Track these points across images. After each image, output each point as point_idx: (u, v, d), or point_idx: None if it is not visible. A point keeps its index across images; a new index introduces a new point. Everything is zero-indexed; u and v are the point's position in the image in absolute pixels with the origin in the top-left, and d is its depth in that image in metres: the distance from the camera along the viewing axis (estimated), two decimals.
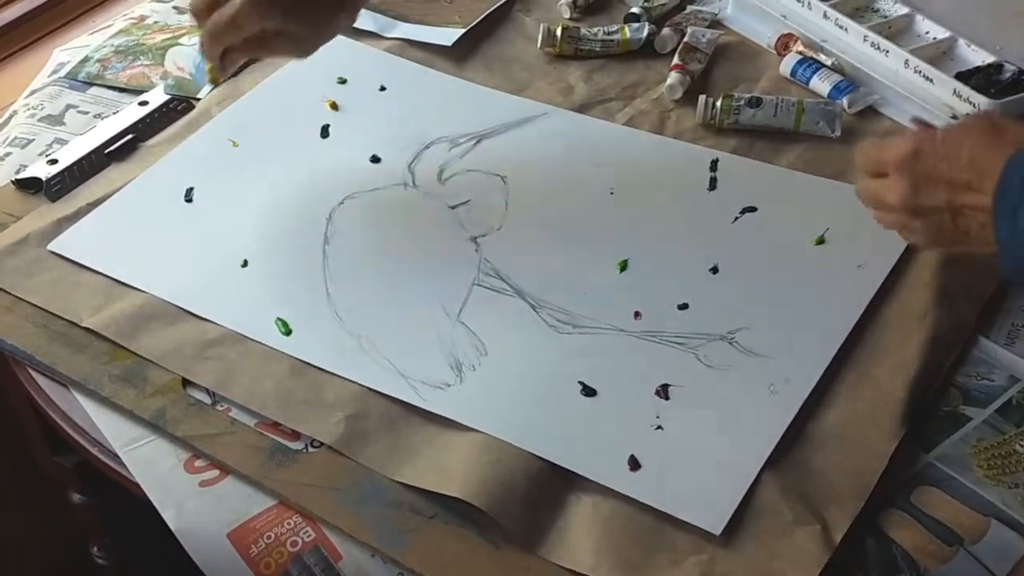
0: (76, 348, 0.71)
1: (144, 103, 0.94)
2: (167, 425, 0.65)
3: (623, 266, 0.76)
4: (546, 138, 0.89)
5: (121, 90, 0.98)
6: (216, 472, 0.64)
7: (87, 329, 0.72)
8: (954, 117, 0.85)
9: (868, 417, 0.64)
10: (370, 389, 0.67)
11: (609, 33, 0.99)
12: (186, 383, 0.68)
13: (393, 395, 0.66)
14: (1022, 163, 0.58)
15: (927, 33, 0.94)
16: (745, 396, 0.65)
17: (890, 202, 0.65)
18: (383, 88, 0.94)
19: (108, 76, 0.99)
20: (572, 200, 0.82)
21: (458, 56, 0.99)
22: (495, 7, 1.05)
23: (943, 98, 0.86)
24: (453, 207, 0.82)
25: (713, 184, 0.83)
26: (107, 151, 0.88)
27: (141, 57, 1.01)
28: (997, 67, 0.88)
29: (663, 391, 0.66)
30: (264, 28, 0.72)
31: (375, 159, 0.87)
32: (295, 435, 0.65)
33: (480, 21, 1.03)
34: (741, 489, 0.59)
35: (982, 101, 0.83)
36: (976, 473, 0.61)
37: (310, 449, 0.64)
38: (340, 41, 0.99)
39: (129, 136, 0.90)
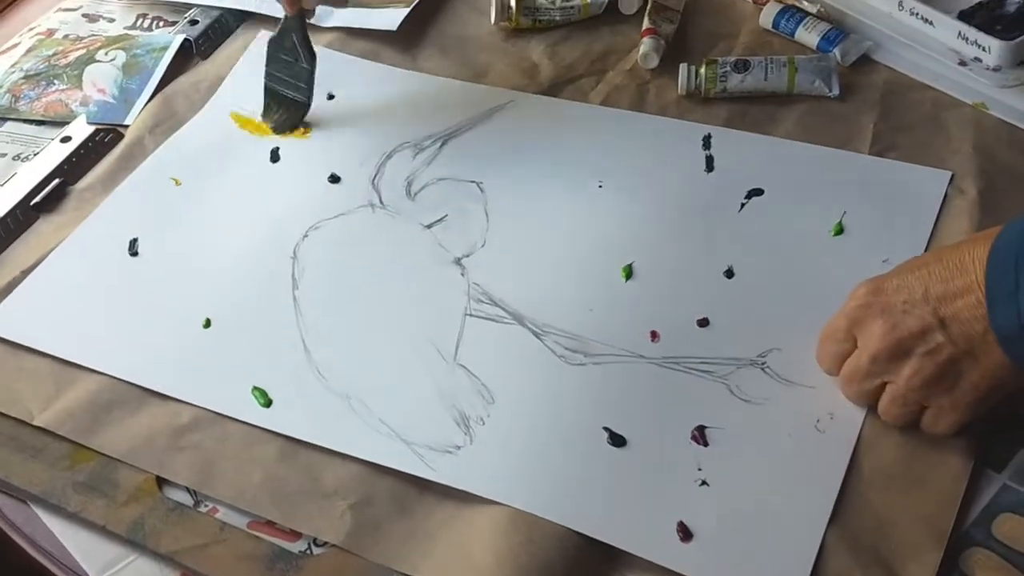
0: (30, 453, 0.62)
1: (67, 139, 0.84)
2: (147, 540, 0.57)
3: (628, 272, 0.68)
4: (518, 130, 0.80)
5: (39, 123, 0.87)
6: None
7: (40, 428, 0.63)
8: (967, 61, 0.77)
9: (930, 450, 0.57)
10: (372, 464, 0.59)
11: None
12: (162, 482, 0.60)
13: (398, 467, 0.59)
14: (1006, 243, 0.52)
15: None
16: (790, 438, 0.58)
17: (872, 352, 0.55)
18: (331, 96, 0.85)
19: (22, 108, 0.89)
20: (559, 200, 0.74)
21: (407, 42, 0.90)
22: None
23: (947, 42, 0.78)
24: (429, 226, 0.74)
25: (710, 164, 0.76)
26: (33, 203, 0.79)
27: (56, 81, 0.90)
28: (999, 0, 0.81)
29: (700, 435, 0.59)
30: None
31: (334, 179, 0.78)
32: (295, 533, 0.57)
33: None
34: (810, 556, 0.53)
35: (992, 44, 0.75)
36: None
37: (314, 549, 0.57)
38: None
39: (56, 181, 0.80)
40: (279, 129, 0.82)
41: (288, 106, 0.82)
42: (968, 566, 0.53)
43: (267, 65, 0.82)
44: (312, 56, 0.81)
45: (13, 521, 0.61)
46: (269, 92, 0.82)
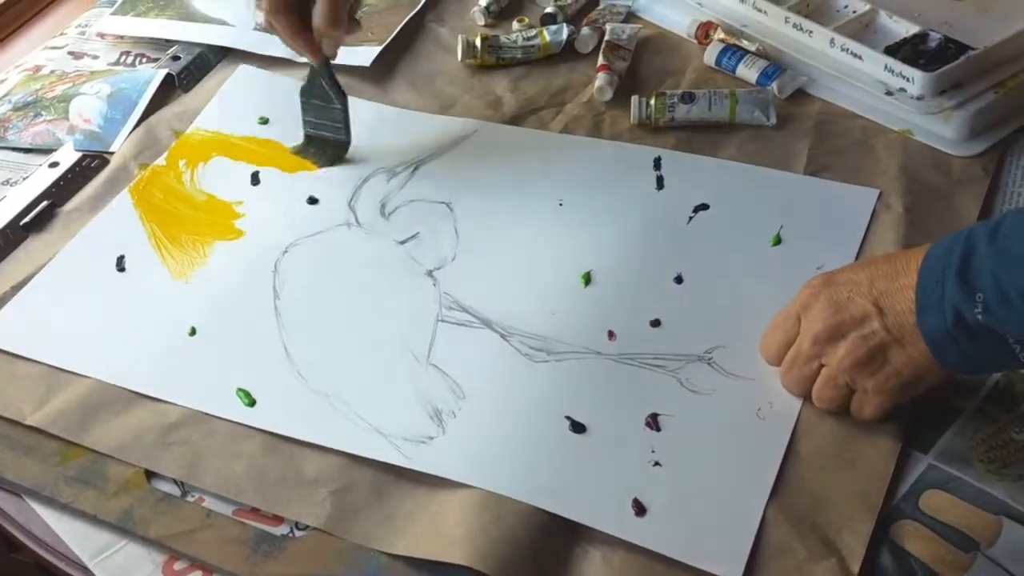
0: (23, 451, 0.66)
1: (55, 164, 0.88)
2: (136, 527, 0.61)
3: (587, 279, 0.74)
4: (484, 156, 0.86)
5: (27, 151, 0.92)
6: (199, 573, 0.59)
7: (32, 427, 0.67)
8: (894, 91, 0.84)
9: (861, 434, 0.62)
10: (351, 456, 0.64)
11: (529, 39, 0.97)
12: (150, 475, 0.64)
13: (375, 457, 0.63)
14: (936, 256, 0.57)
15: (846, 7, 0.94)
16: (734, 424, 0.63)
17: (814, 333, 0.60)
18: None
19: (10, 137, 0.93)
20: (522, 217, 0.80)
21: (379, 77, 0.96)
22: (407, 20, 1.02)
23: (875, 75, 0.85)
24: (402, 242, 0.79)
25: (660, 183, 0.82)
26: (22, 223, 0.83)
27: (43, 112, 0.94)
28: (922, 36, 0.88)
29: (653, 422, 0.64)
30: None
31: (312, 200, 0.83)
32: (277, 519, 0.61)
33: (395, 36, 1.00)
34: (752, 528, 0.58)
35: (916, 75, 0.82)
36: (978, 469, 0.60)
37: (296, 533, 0.61)
38: (255, 74, 0.96)
39: (44, 203, 0.84)
40: (325, 164, 0.86)
41: (331, 145, 0.86)
42: (898, 536, 0.58)
43: (304, 115, 0.86)
44: (343, 95, 0.85)
45: (7, 512, 0.64)
46: (312, 139, 0.87)
